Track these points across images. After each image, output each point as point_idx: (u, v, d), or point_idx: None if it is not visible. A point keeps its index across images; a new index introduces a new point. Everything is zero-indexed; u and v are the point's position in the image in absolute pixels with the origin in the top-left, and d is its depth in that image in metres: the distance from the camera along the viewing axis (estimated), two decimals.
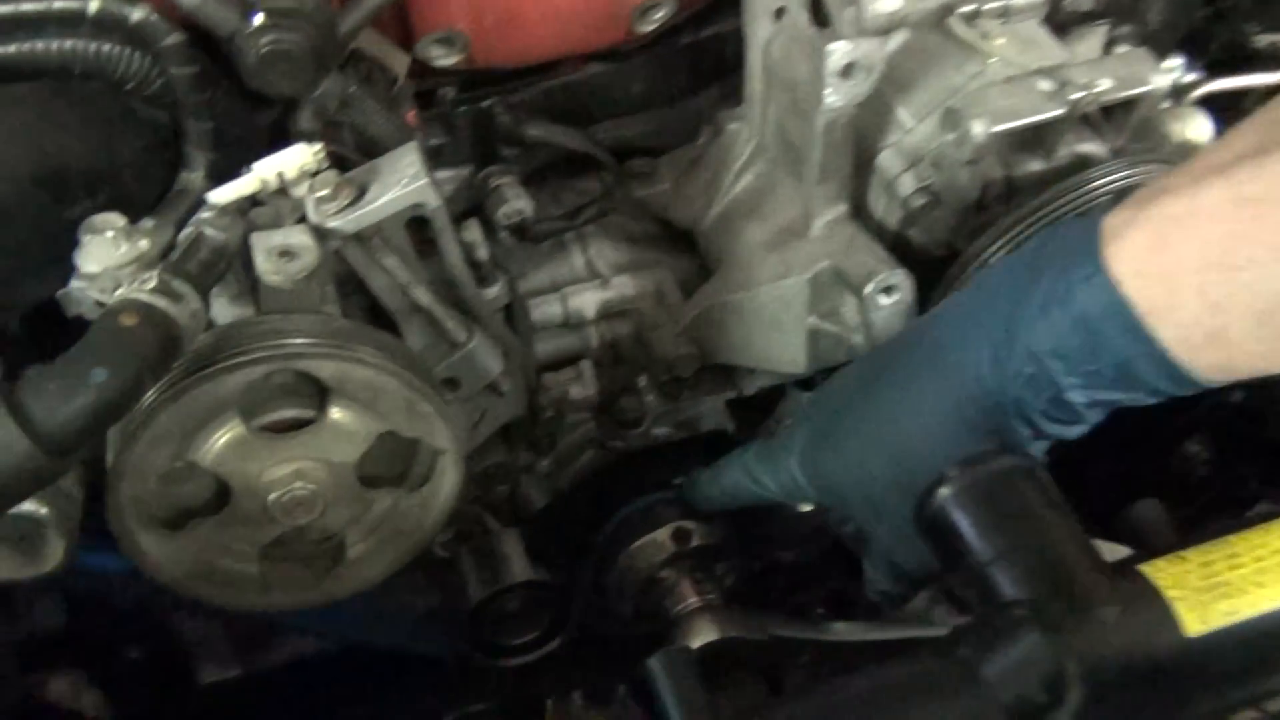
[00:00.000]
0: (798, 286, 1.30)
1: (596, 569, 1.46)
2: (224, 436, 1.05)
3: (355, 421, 1.08)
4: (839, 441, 1.08)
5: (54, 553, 1.05)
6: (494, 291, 1.28)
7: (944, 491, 0.89)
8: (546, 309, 1.42)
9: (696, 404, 1.48)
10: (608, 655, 1.62)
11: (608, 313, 1.44)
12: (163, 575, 1.11)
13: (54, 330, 1.03)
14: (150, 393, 0.99)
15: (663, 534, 1.42)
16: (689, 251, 1.48)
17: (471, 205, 1.40)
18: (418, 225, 1.14)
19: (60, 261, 0.99)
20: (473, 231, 1.26)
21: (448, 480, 1.15)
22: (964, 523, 0.86)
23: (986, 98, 1.20)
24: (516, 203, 1.37)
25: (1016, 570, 0.82)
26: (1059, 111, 1.18)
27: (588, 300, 1.43)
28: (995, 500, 0.86)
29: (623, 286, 1.44)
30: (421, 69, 1.28)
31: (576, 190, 1.48)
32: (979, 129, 1.18)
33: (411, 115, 1.26)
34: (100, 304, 0.97)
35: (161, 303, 0.94)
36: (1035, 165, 1.23)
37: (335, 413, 1.07)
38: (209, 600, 1.15)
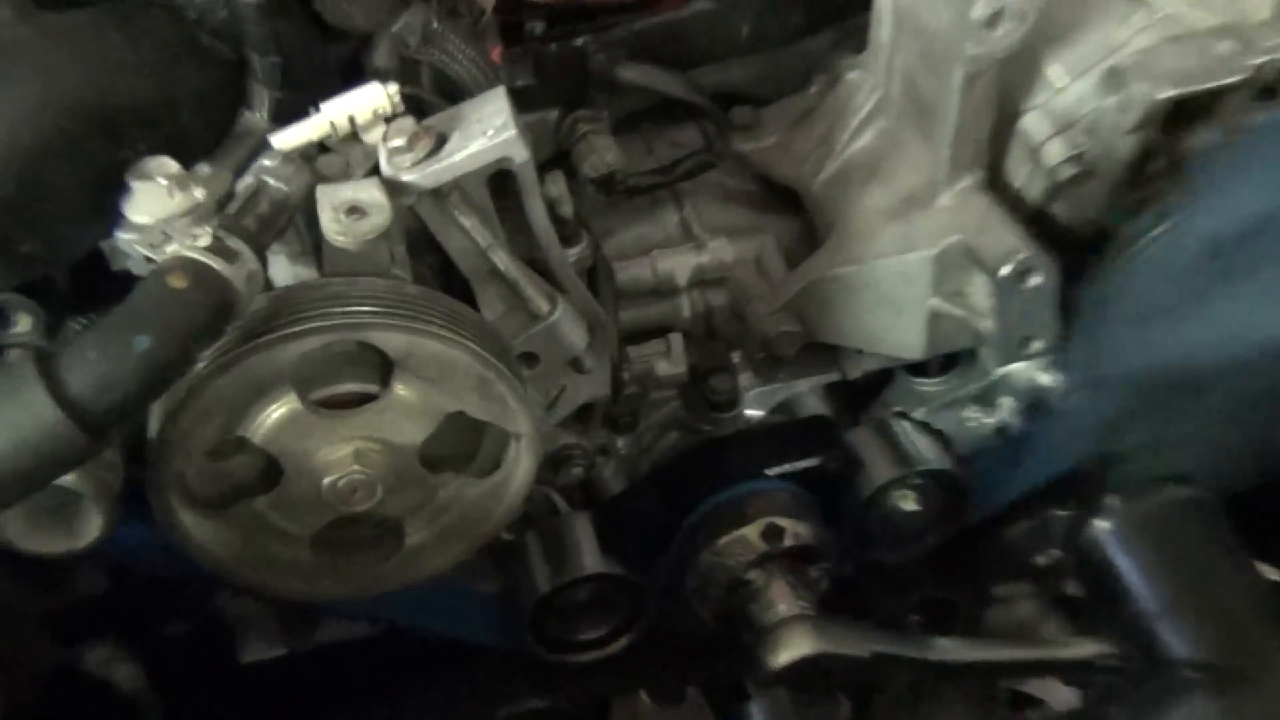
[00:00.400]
0: (921, 263, 1.25)
1: (675, 565, 1.42)
2: (277, 411, 1.02)
3: (421, 400, 1.05)
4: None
5: (92, 527, 1.03)
6: (576, 252, 1.24)
7: (1103, 525, 0.83)
8: (634, 273, 1.38)
9: (795, 386, 1.44)
10: (676, 650, 1.60)
11: (702, 280, 1.39)
12: (205, 557, 1.08)
13: (101, 285, 0.99)
14: (200, 362, 0.95)
15: (752, 530, 1.38)
16: (796, 215, 1.43)
17: (555, 154, 1.35)
18: (496, 178, 1.09)
19: (109, 209, 0.95)
20: (557, 185, 1.22)
21: (521, 468, 1.11)
22: (1126, 564, 0.81)
23: (1156, 58, 1.13)
24: (606, 153, 1.32)
25: (1186, 626, 0.76)
26: (1240, 77, 1.11)
27: (680, 265, 1.38)
28: (1164, 540, 0.80)
29: (720, 251, 1.39)
30: (509, 1, 1.23)
31: (672, 141, 1.43)
32: (1145, 93, 1.12)
33: (497, 52, 1.21)
34: (149, 259, 0.94)
35: (216, 263, 0.90)
36: (1205, 137, 1.16)
37: (400, 389, 1.04)
38: (253, 586, 1.12)
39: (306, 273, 1.06)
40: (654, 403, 1.41)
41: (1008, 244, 1.20)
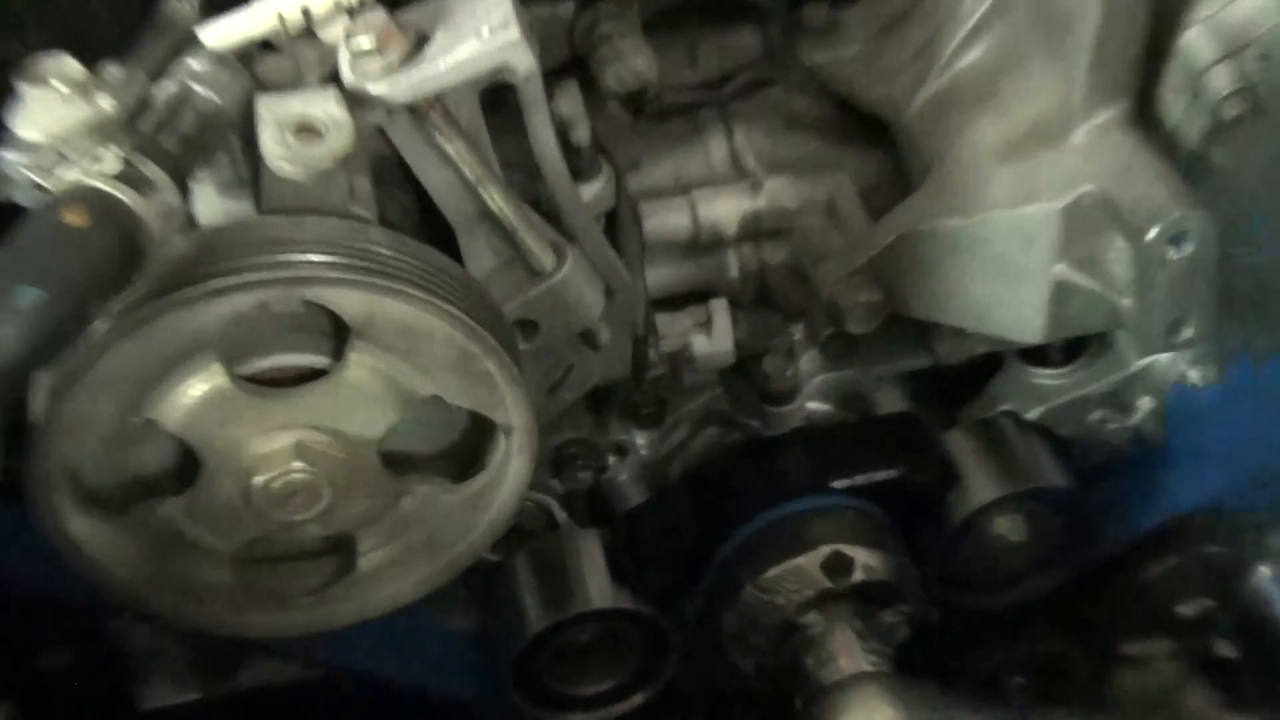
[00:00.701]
0: (1045, 218, 1.26)
1: (709, 602, 1.44)
2: (197, 388, 1.03)
3: (384, 380, 1.05)
4: None
5: None
6: (594, 189, 1.25)
7: (1268, 571, 0.84)
8: (667, 219, 1.39)
9: (872, 373, 1.45)
10: (704, 714, 1.62)
11: (755, 230, 1.40)
12: (98, 573, 1.09)
13: None
14: (98, 320, 0.96)
15: (811, 560, 1.39)
16: (881, 149, 1.44)
17: (568, 60, 1.36)
18: (491, 93, 1.10)
19: None
20: (571, 101, 1.23)
21: (511, 471, 1.12)
22: None
23: None
24: (635, 60, 1.33)
25: None
26: None
27: (728, 210, 1.39)
28: None
29: (780, 193, 1.40)
30: None
31: (721, 47, 1.45)
32: None
33: None
34: (39, 187, 0.95)
35: (124, 194, 0.91)
36: None
37: (357, 364, 1.04)
38: (159, 614, 1.13)
39: (240, 208, 1.05)
40: (687, 390, 1.42)
41: (1156, 199, 1.22)
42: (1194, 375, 1.41)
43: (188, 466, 1.07)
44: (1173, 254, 1.22)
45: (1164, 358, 1.43)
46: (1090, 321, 1.32)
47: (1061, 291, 1.29)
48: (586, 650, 1.48)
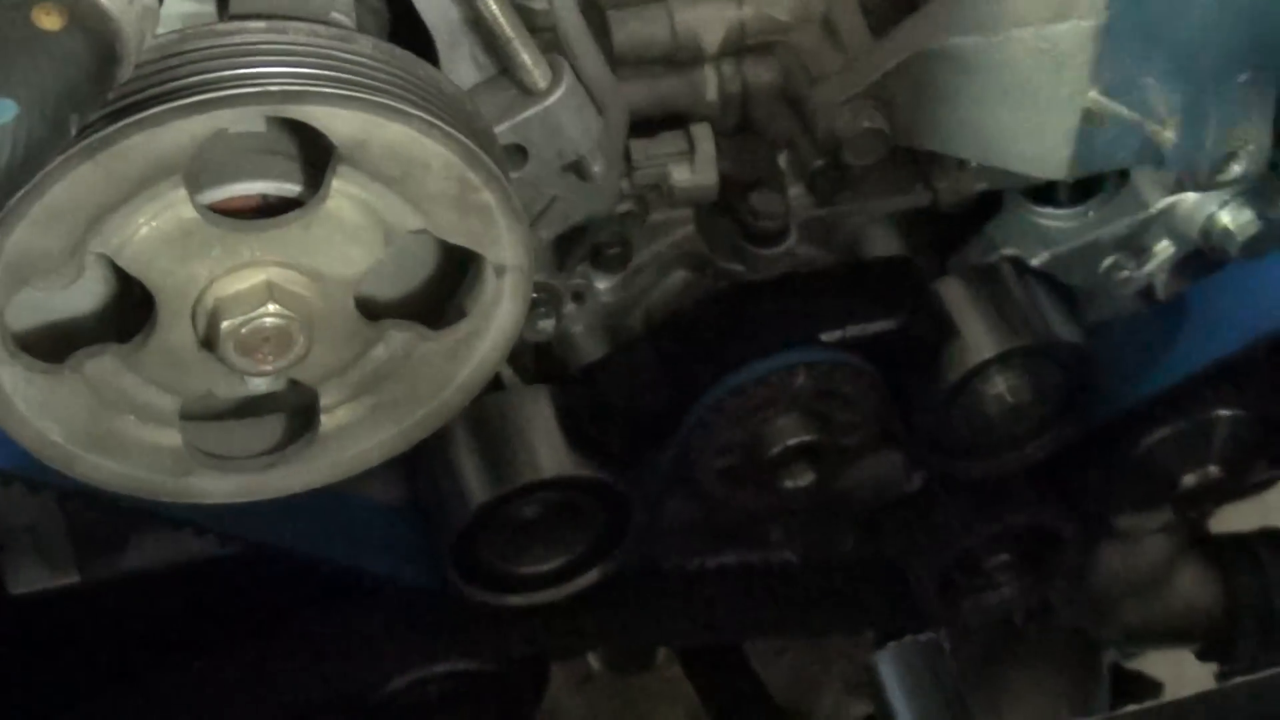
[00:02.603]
0: (1079, 36, 1.28)
1: (676, 466, 1.48)
2: (154, 218, 1.03)
3: (367, 211, 1.07)
4: None
5: None
6: None
7: None
8: (637, 29, 1.40)
9: (864, 212, 1.49)
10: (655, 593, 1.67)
11: (740, 45, 1.41)
12: (28, 433, 1.10)
13: None
14: None
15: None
16: None
17: None
18: None
19: None
20: None
21: (502, 315, 1.14)
22: None
23: None
24: None
25: None
26: None
27: (709, 20, 1.40)
28: None
29: (769, 2, 1.41)
30: None
31: None
32: None
33: None
34: None
35: None
36: None
37: (339, 193, 1.05)
38: (94, 481, 1.14)
39: (204, 10, 1.05)
40: (657, 228, 1.45)
41: None
42: (1227, 219, 1.46)
43: (139, 308, 1.08)
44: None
45: (1191, 197, 1.48)
46: (1122, 156, 1.35)
47: (1093, 121, 1.32)
48: (534, 527, 1.52)
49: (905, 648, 1.07)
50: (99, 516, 1.50)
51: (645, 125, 1.41)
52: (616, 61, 1.38)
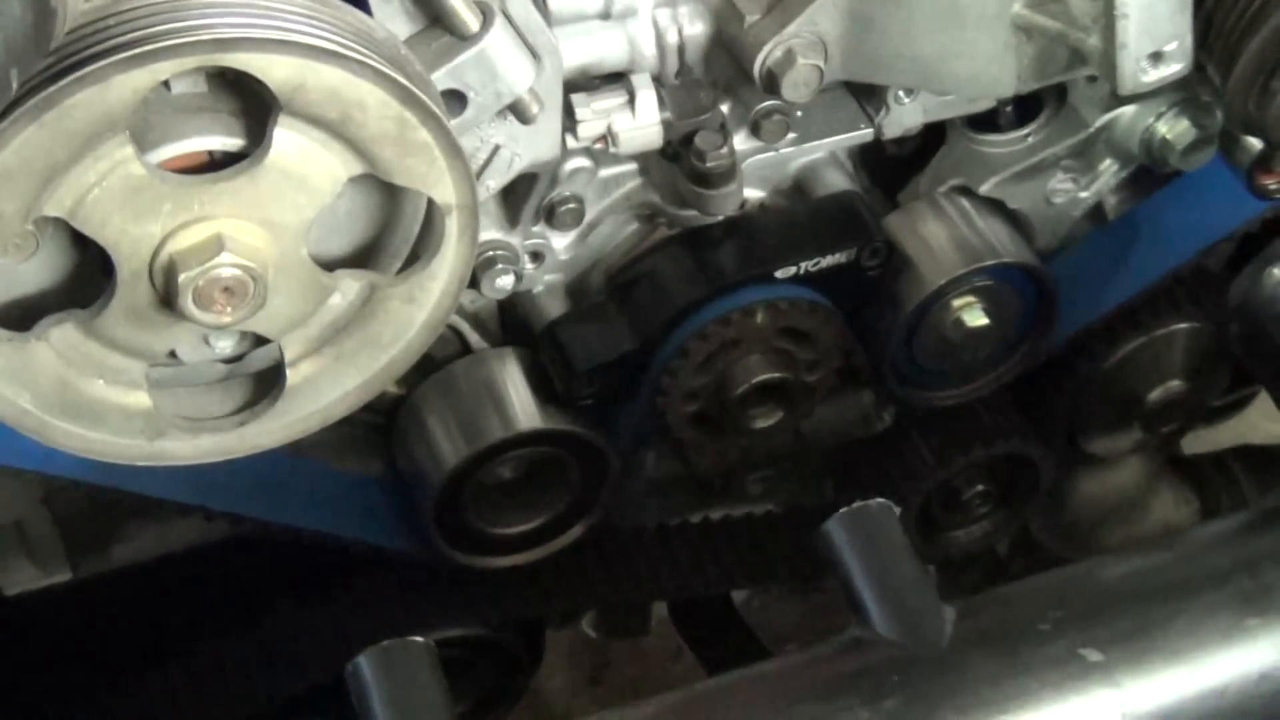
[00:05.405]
0: None
1: (647, 414, 1.51)
2: (105, 178, 1.06)
3: (311, 158, 1.10)
4: None
5: None
6: None
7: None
8: None
9: (810, 151, 1.51)
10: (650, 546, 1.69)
11: None
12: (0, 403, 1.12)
13: None
14: None
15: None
16: None
17: None
18: None
19: None
20: None
21: (452, 256, 1.17)
22: None
23: None
24: None
25: None
26: None
27: None
28: None
29: None
30: None
31: None
32: None
33: None
34: None
35: None
36: None
37: (283, 141, 1.08)
38: (65, 447, 1.16)
39: None
40: (607, 182, 1.47)
41: None
42: (1164, 130, 1.48)
43: (95, 279, 1.11)
44: None
45: (1128, 112, 1.50)
46: (1052, 69, 1.38)
47: (1023, 36, 1.35)
48: (511, 488, 1.55)
49: (856, 513, 1.08)
50: (85, 509, 1.52)
51: (588, 80, 1.43)
52: (553, 21, 1.40)
